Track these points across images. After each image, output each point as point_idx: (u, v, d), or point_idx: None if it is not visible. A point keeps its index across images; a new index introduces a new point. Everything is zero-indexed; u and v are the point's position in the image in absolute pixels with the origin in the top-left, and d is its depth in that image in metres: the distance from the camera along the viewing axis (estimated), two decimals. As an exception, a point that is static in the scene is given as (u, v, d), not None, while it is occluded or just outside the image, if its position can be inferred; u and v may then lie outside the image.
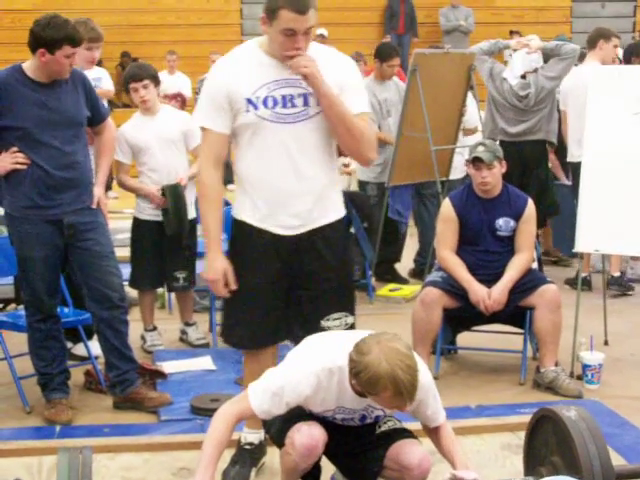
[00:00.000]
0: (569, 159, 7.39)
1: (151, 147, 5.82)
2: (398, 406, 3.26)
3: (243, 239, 3.91)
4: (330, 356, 3.37)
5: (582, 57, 7.56)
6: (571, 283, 7.21)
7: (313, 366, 3.36)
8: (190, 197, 5.89)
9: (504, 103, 7.35)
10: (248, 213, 3.88)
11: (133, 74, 5.87)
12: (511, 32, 16.51)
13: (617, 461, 3.87)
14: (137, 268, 5.98)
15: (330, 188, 3.91)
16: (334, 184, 3.96)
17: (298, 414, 3.50)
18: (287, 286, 3.90)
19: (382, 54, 7.45)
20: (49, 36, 4.49)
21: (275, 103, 3.74)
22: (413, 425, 3.75)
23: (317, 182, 3.83)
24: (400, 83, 7.63)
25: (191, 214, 5.95)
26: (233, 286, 3.86)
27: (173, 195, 5.79)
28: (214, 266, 3.85)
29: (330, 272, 3.89)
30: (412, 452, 3.50)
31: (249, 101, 3.75)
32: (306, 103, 3.76)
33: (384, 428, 3.63)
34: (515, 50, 7.45)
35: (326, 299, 3.83)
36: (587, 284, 7.13)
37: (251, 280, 3.86)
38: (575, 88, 7.05)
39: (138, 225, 5.97)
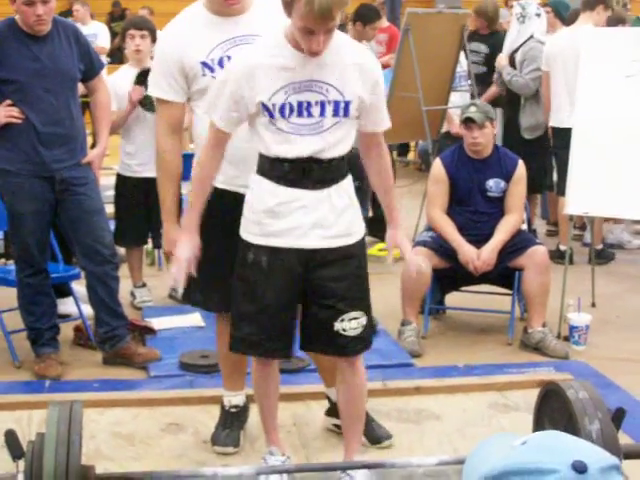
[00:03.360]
0: (553, 124, 6.97)
1: None
2: (310, 33, 3.03)
3: (209, 203, 3.62)
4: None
5: (572, 19, 7.34)
6: (552, 257, 6.18)
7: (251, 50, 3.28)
8: None
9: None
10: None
11: (135, 22, 6.02)
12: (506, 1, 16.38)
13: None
14: (121, 225, 5.98)
15: None
16: None
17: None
18: None
19: (365, 17, 7.63)
20: None
21: None
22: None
23: None
24: (374, 47, 7.73)
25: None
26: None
27: None
28: (167, 238, 3.79)
29: None
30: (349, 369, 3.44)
31: (204, 64, 3.56)
32: None
33: (348, 332, 3.36)
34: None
35: None
36: (567, 257, 5.99)
37: (216, 243, 3.64)
38: (569, 49, 6.58)
39: (122, 182, 5.98)
